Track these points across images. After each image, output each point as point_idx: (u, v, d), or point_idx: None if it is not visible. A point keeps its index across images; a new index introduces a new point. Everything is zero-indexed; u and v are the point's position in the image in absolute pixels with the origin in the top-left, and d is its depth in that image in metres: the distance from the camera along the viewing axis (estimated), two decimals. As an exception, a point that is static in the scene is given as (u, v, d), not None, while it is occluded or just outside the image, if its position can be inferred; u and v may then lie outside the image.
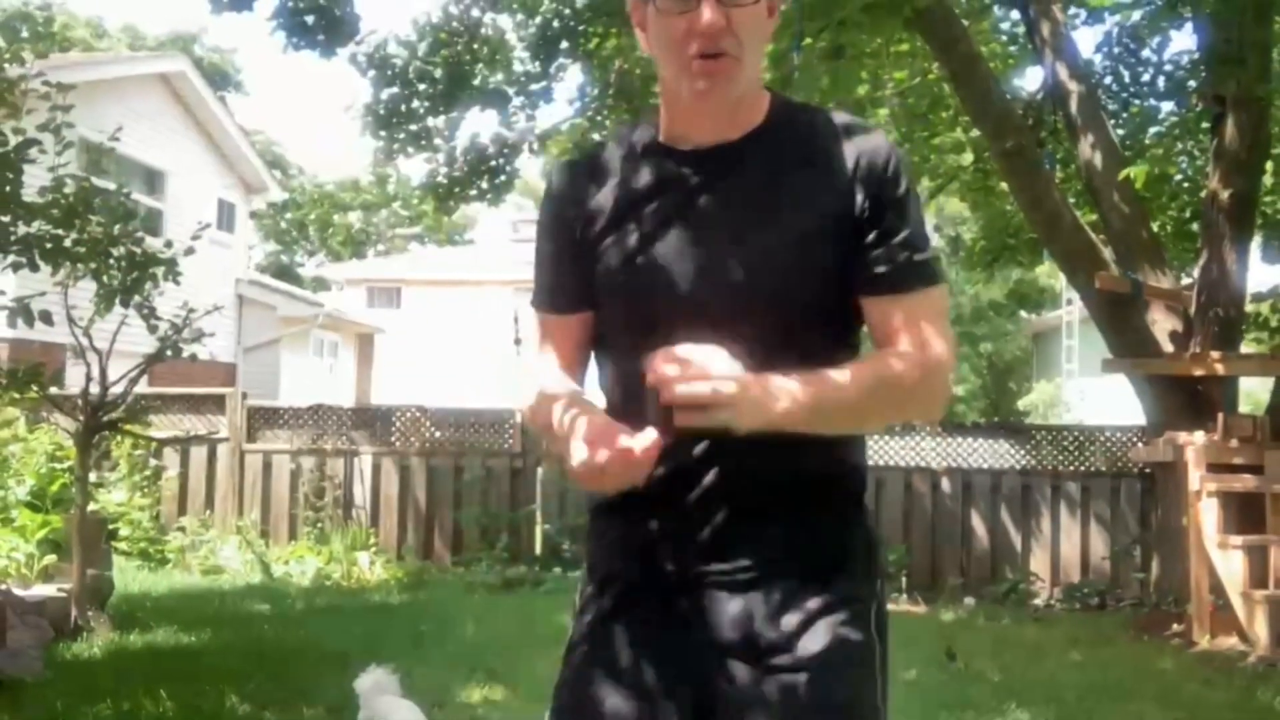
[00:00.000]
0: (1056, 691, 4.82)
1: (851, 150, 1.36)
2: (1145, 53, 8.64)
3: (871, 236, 1.34)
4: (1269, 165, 7.78)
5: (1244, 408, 7.56)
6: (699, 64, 1.32)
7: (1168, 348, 7.11)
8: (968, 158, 10.17)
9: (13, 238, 4.96)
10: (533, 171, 19.47)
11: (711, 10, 1.30)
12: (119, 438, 7.48)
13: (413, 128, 10.17)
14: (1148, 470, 7.52)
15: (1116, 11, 7.98)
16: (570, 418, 1.29)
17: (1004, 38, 9.43)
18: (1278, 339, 7.84)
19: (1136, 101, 8.82)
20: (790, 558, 1.36)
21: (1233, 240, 7.00)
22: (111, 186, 5.71)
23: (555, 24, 9.74)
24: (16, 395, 5.71)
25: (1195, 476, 6.25)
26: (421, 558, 8.27)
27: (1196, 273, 7.28)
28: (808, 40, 6.20)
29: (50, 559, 5.93)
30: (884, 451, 8.18)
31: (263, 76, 53.81)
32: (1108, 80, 8.78)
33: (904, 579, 7.82)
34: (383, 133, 10.17)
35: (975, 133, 8.88)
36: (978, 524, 7.97)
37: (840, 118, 1.42)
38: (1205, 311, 6.99)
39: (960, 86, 7.69)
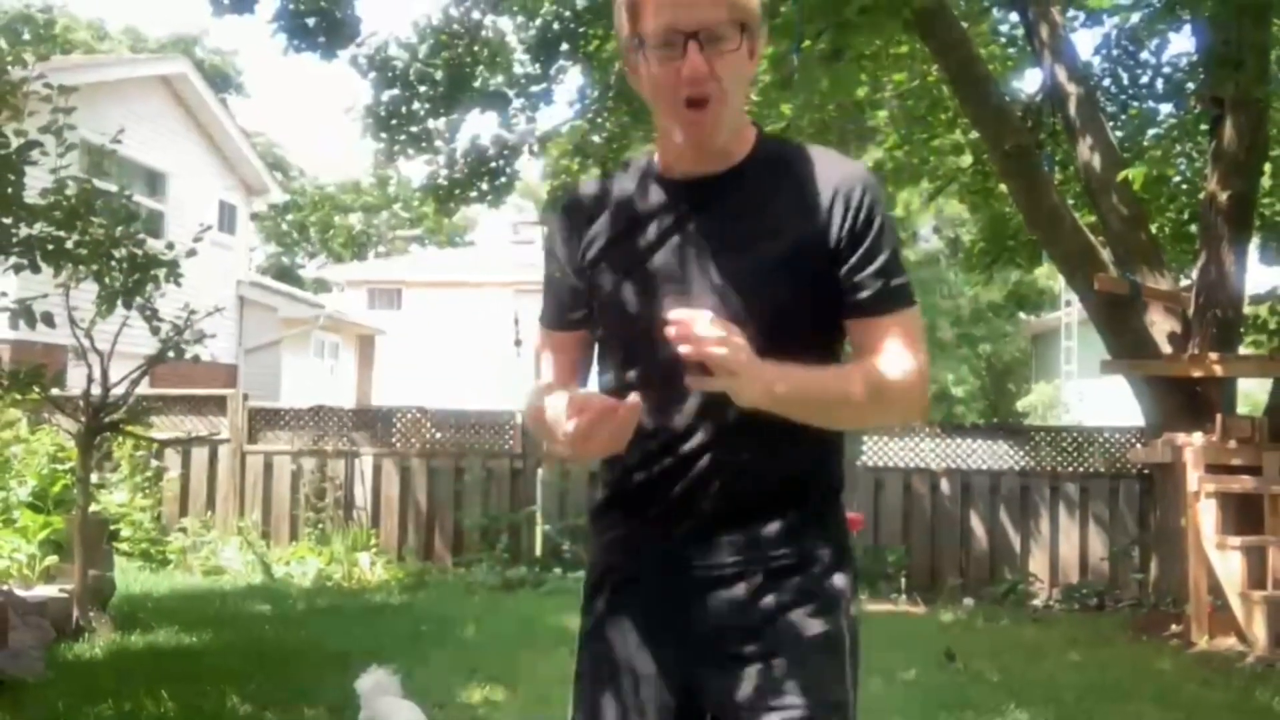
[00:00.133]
0: (1055, 692, 4.83)
1: (828, 184, 1.48)
2: (1144, 55, 8.65)
3: (848, 265, 1.47)
4: (1267, 167, 7.79)
5: (1242, 409, 7.57)
6: (685, 109, 1.44)
7: (1166, 349, 7.12)
8: (967, 159, 10.18)
9: (15, 239, 4.98)
10: (533, 173, 19.49)
11: (696, 59, 1.41)
12: (120, 439, 7.50)
13: (413, 129, 10.19)
14: (1146, 471, 7.54)
15: (1115, 13, 7.98)
16: (555, 399, 1.41)
17: (1003, 40, 9.44)
18: (1276, 341, 7.84)
19: (1135, 103, 8.83)
20: (766, 554, 1.47)
21: (1231, 242, 7.01)
22: (113, 188, 5.73)
23: (555, 26, 9.76)
24: (18, 396, 5.73)
25: (1193, 477, 6.26)
26: (422, 558, 8.29)
27: (1195, 274, 7.29)
28: (806, 43, 6.22)
29: (52, 560, 5.94)
30: (883, 453, 8.20)
31: (264, 79, 53.87)
32: (1106, 82, 8.78)
33: (903, 580, 7.83)
34: (383, 134, 10.19)
35: (974, 135, 8.89)
36: (977, 525, 7.98)
37: (818, 152, 1.54)
38: (1204, 313, 7.00)
39: (959, 88, 7.70)
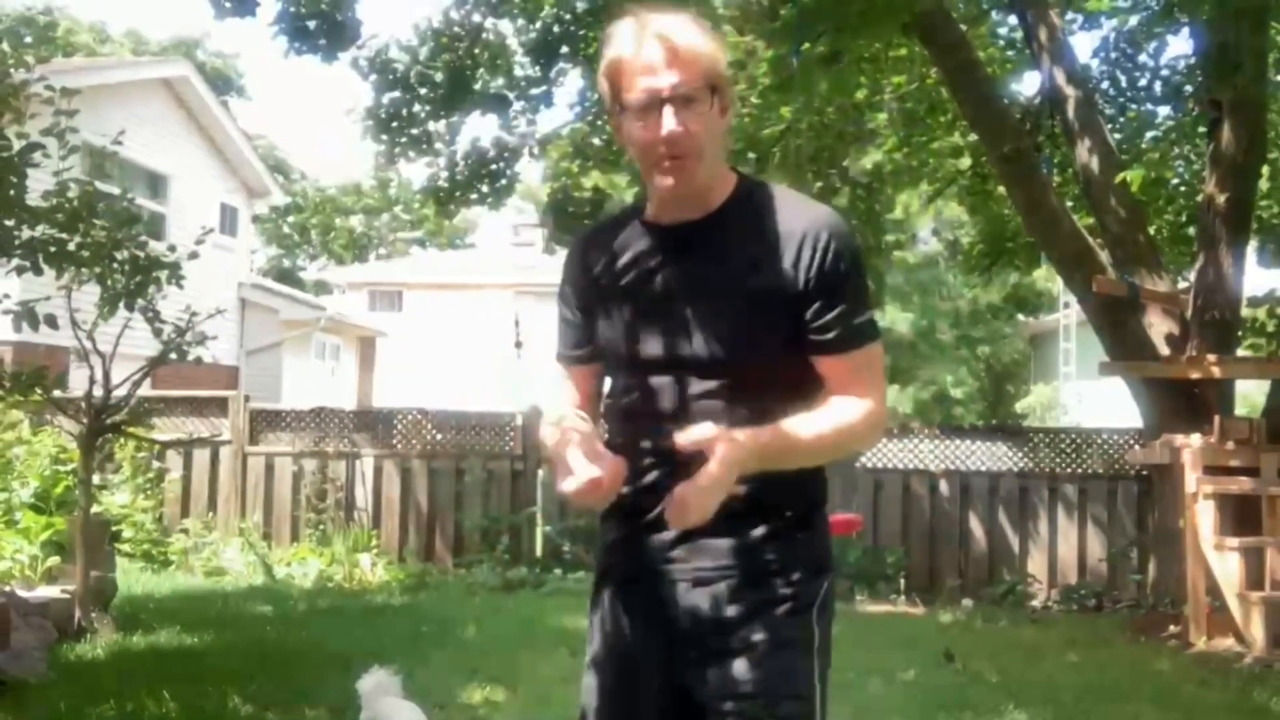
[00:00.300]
0: (1054, 692, 4.85)
1: (797, 229, 1.63)
2: (1142, 58, 8.68)
3: (814, 308, 1.62)
4: (1265, 170, 7.80)
5: (1240, 410, 7.59)
6: (664, 165, 1.61)
7: (1164, 351, 7.13)
8: (966, 162, 10.20)
9: (17, 242, 4.99)
10: (533, 175, 19.52)
11: (670, 122, 1.58)
12: (122, 440, 7.52)
13: (414, 132, 10.21)
14: (1144, 472, 7.55)
15: (1113, 16, 8.02)
16: (562, 450, 1.56)
17: (1002, 42, 9.46)
18: (1274, 344, 7.86)
19: (1133, 106, 8.85)
20: (746, 559, 1.64)
21: (1229, 244, 7.02)
22: (115, 191, 5.74)
23: (555, 29, 9.78)
24: (21, 398, 5.74)
25: (1192, 479, 6.28)
26: (423, 559, 8.31)
27: (1193, 276, 7.29)
28: (805, 45, 6.23)
29: (54, 561, 5.96)
30: (882, 454, 8.21)
31: (265, 81, 53.88)
32: (1105, 85, 8.81)
33: (902, 581, 7.85)
34: (384, 137, 10.21)
35: (973, 137, 8.90)
36: (975, 526, 8.00)
37: (790, 197, 1.71)
38: (1202, 315, 7.01)
39: (958, 91, 7.72)
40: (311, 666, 4.83)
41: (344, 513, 8.40)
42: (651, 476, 1.65)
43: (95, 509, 6.41)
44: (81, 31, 26.49)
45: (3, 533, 6.26)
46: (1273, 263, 8.49)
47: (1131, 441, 7.73)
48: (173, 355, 5.60)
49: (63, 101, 5.28)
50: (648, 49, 1.59)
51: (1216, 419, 6.57)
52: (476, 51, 10.02)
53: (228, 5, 8.47)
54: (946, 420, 22.01)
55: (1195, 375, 6.82)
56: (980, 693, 4.79)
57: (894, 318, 25.19)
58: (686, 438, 1.51)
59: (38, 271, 5.07)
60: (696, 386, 1.63)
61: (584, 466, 1.52)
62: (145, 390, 6.28)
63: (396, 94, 9.97)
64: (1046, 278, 20.62)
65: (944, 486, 8.05)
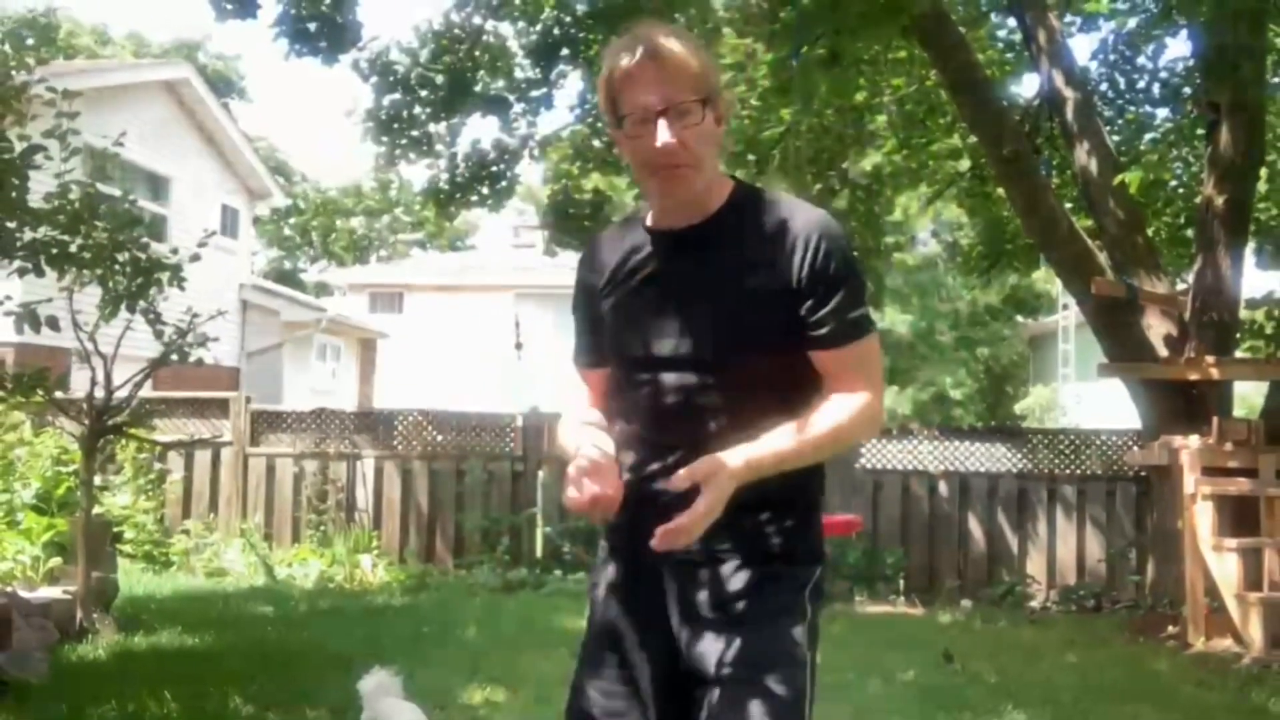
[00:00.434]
0: (1053, 693, 4.86)
1: (791, 231, 1.71)
2: (1141, 60, 8.70)
3: (808, 304, 1.70)
4: (1263, 172, 7.82)
5: (1238, 412, 7.61)
6: (661, 175, 1.71)
7: (1163, 352, 7.15)
8: (965, 164, 10.23)
9: (19, 243, 5.01)
10: (534, 177, 19.54)
11: (665, 134, 1.66)
12: (124, 441, 7.54)
13: (414, 133, 10.22)
14: (1143, 474, 7.56)
15: (1112, 18, 8.04)
16: (574, 467, 1.65)
17: (1001, 45, 9.48)
18: (1272, 345, 7.87)
19: (1132, 108, 8.87)
20: (742, 543, 1.71)
21: (1227, 246, 7.04)
22: (116, 193, 5.75)
23: (556, 31, 9.80)
24: (22, 399, 5.75)
25: (1190, 480, 6.29)
26: (423, 560, 8.32)
27: (1191, 278, 7.31)
28: (805, 48, 6.24)
29: (55, 562, 5.97)
30: (881, 455, 8.23)
31: (266, 83, 53.89)
32: (1104, 87, 8.83)
33: (901, 581, 7.87)
34: (384, 138, 10.23)
35: (972, 139, 8.92)
36: (975, 527, 8.01)
37: (785, 200, 1.78)
38: (1200, 316, 7.02)
39: (957, 93, 7.73)
40: (312, 667, 4.85)
41: (345, 514, 8.42)
42: (654, 467, 1.73)
43: (97, 510, 6.43)
44: (83, 34, 26.52)
45: (5, 534, 6.28)
46: (1271, 265, 8.50)
47: (1130, 443, 7.75)
48: (174, 357, 5.61)
49: (64, 104, 5.29)
50: (641, 65, 1.68)
51: (1215, 420, 6.58)
52: (477, 54, 10.03)
53: (229, 7, 8.48)
54: (946, 421, 22.02)
55: (1194, 377, 6.84)
56: (979, 693, 4.80)
57: (893, 319, 25.21)
58: (679, 481, 1.59)
59: (39, 273, 5.09)
60: (696, 383, 1.71)
61: (588, 485, 1.63)
62: (146, 392, 6.30)
63: (397, 96, 9.98)
64: (1045, 279, 20.65)
65: (943, 487, 8.07)
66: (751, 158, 9.49)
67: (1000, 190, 8.69)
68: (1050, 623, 7.05)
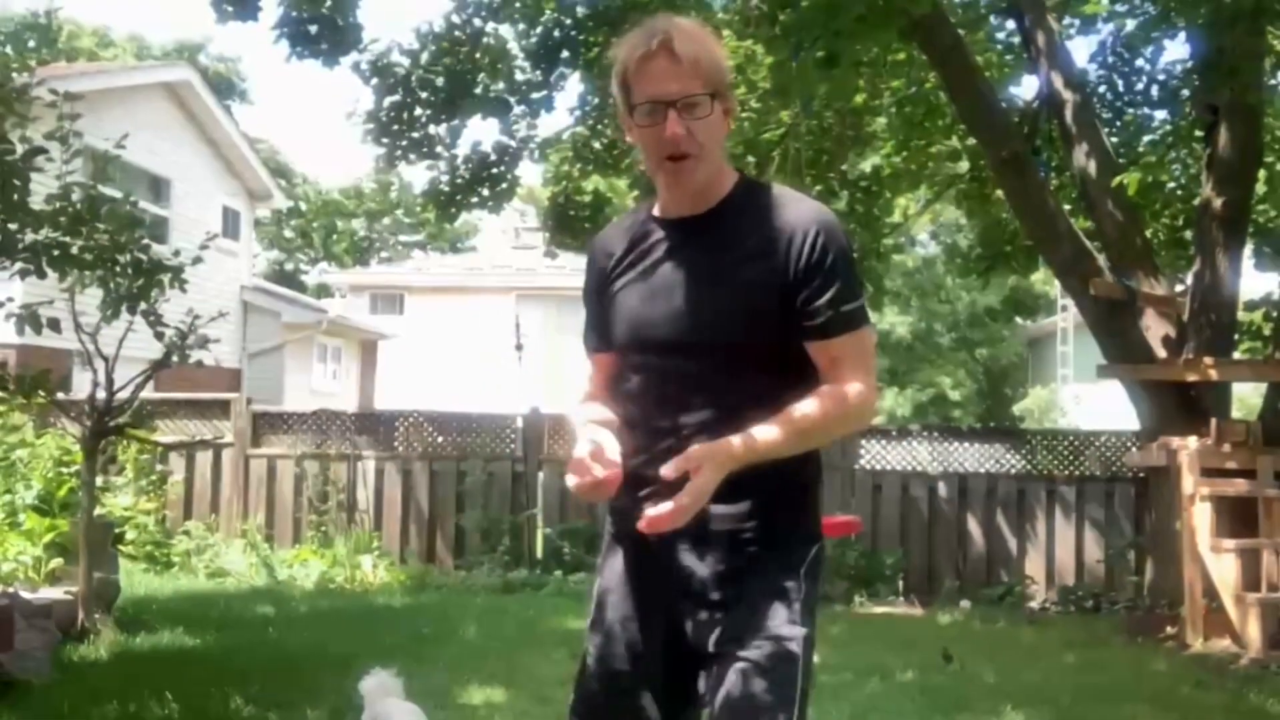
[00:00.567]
0: (1051, 693, 4.88)
1: (790, 224, 1.77)
2: (1139, 62, 8.70)
3: (802, 295, 1.75)
4: (1261, 173, 7.82)
5: (1236, 413, 7.62)
6: (668, 164, 1.77)
7: (1161, 354, 7.16)
8: (964, 165, 10.24)
9: (21, 245, 5.02)
10: (534, 179, 19.55)
11: (674, 124, 1.73)
12: (125, 442, 7.56)
13: (415, 135, 10.22)
14: (1142, 475, 7.58)
15: (1111, 20, 8.04)
16: (577, 450, 1.71)
17: (1000, 47, 9.48)
18: (1270, 347, 7.88)
19: (1130, 110, 8.87)
20: (741, 524, 1.76)
21: (1225, 247, 7.05)
22: (118, 194, 5.76)
23: (556, 33, 9.80)
24: (24, 400, 5.77)
25: (1189, 481, 6.31)
26: (424, 561, 8.34)
27: (1190, 279, 7.31)
28: (803, 50, 6.26)
29: (57, 562, 5.97)
30: (881, 456, 8.25)
31: (267, 85, 53.89)
32: (1102, 89, 8.83)
33: (901, 582, 7.89)
34: (385, 140, 10.22)
35: (971, 141, 8.94)
36: (974, 528, 8.03)
37: (785, 194, 1.84)
38: (1198, 318, 7.03)
39: (957, 95, 7.75)
40: (313, 667, 4.87)
41: (345, 514, 8.43)
42: (651, 451, 1.77)
43: (98, 511, 6.45)
44: (84, 36, 26.55)
45: (6, 535, 6.28)
46: (1269, 266, 8.50)
47: (1129, 444, 7.76)
48: (175, 358, 5.62)
49: (66, 106, 5.31)
50: (655, 57, 1.74)
51: (1213, 421, 6.60)
52: (477, 56, 10.03)
53: (229, 10, 8.49)
54: (945, 422, 22.02)
55: (1192, 378, 6.85)
56: (978, 693, 4.82)
57: (893, 320, 25.23)
58: (668, 471, 1.64)
59: (41, 275, 5.10)
60: (692, 369, 1.76)
61: (589, 468, 1.68)
62: (148, 393, 6.31)
63: (397, 98, 9.99)
64: (1044, 281, 20.67)
65: (942, 488, 8.09)
66: (751, 159, 9.50)
67: (999, 192, 8.70)
68: (1049, 623, 7.07)
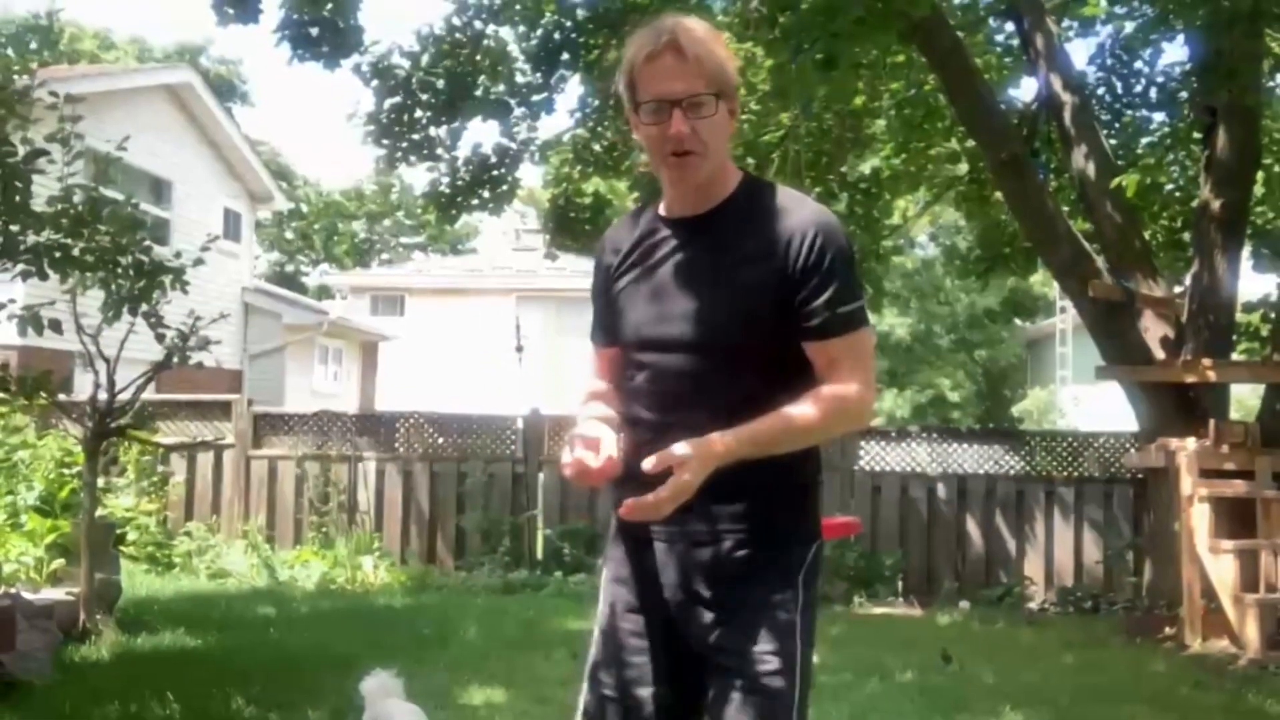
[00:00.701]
0: (1050, 694, 4.89)
1: (790, 224, 1.79)
2: (1138, 64, 8.72)
3: (802, 295, 1.76)
4: (1260, 175, 7.84)
5: (1235, 414, 7.63)
6: (671, 160, 1.79)
7: (1160, 355, 7.17)
8: (963, 167, 10.25)
9: (22, 247, 5.04)
10: (535, 180, 19.57)
11: (679, 123, 1.75)
12: (126, 444, 7.58)
13: (415, 137, 10.23)
14: (1140, 476, 7.59)
15: (1109, 22, 8.06)
16: (573, 438, 1.74)
17: (999, 49, 9.50)
18: (1268, 348, 7.90)
19: (1129, 112, 8.88)
20: (740, 524, 1.78)
21: (1224, 249, 7.06)
22: (119, 196, 5.78)
23: (557, 36, 9.82)
24: (26, 401, 5.79)
25: (1187, 482, 6.32)
26: (425, 562, 8.36)
27: (1188, 281, 7.33)
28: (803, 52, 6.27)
29: (59, 563, 5.99)
30: (880, 457, 8.26)
31: (268, 87, 53.93)
32: (1101, 91, 8.84)
33: (900, 583, 7.90)
34: (386, 142, 10.24)
35: (970, 143, 8.95)
36: (973, 529, 8.04)
37: (787, 195, 1.86)
38: (1197, 319, 7.05)
39: (956, 97, 7.76)
40: (314, 668, 4.87)
41: (346, 515, 8.45)
42: (650, 446, 1.77)
43: (100, 512, 6.46)
44: (86, 38, 26.58)
45: (8, 536, 6.30)
46: (1267, 268, 8.51)
47: (1127, 445, 7.78)
48: (176, 359, 5.63)
49: (67, 108, 5.32)
50: (661, 56, 1.76)
51: (1211, 423, 6.61)
52: (478, 58, 10.04)
53: (230, 12, 8.52)
54: (944, 423, 22.05)
55: (1190, 379, 6.87)
56: (977, 694, 4.83)
57: (892, 322, 25.24)
58: (649, 465, 1.65)
59: (43, 276, 5.12)
60: (690, 367, 1.79)
61: (579, 455, 1.72)
62: (149, 394, 6.33)
63: (398, 100, 10.00)
64: (1043, 282, 20.68)
65: (941, 489, 8.10)
66: (751, 161, 9.51)
67: (998, 194, 8.72)
68: (1048, 624, 7.08)
